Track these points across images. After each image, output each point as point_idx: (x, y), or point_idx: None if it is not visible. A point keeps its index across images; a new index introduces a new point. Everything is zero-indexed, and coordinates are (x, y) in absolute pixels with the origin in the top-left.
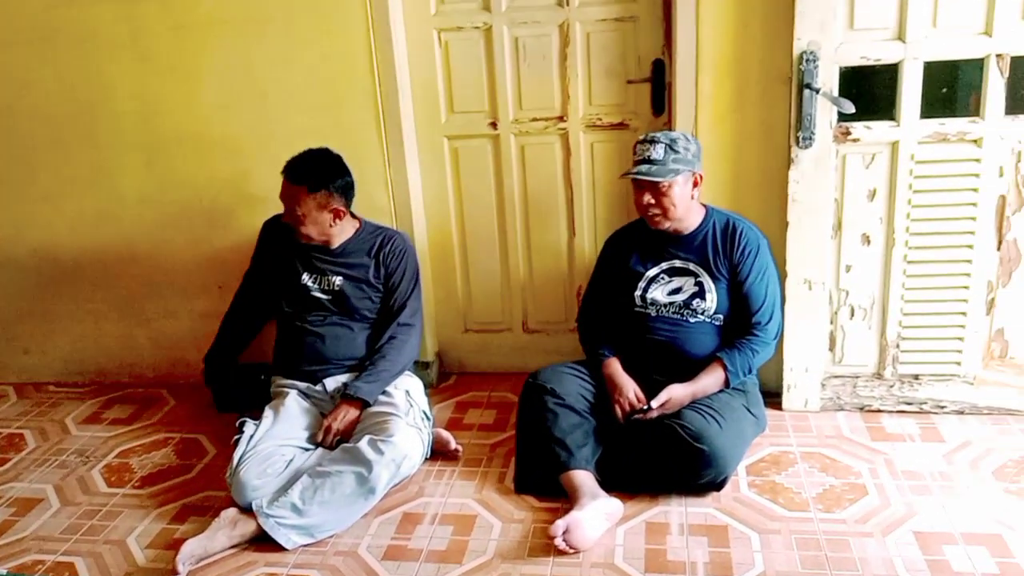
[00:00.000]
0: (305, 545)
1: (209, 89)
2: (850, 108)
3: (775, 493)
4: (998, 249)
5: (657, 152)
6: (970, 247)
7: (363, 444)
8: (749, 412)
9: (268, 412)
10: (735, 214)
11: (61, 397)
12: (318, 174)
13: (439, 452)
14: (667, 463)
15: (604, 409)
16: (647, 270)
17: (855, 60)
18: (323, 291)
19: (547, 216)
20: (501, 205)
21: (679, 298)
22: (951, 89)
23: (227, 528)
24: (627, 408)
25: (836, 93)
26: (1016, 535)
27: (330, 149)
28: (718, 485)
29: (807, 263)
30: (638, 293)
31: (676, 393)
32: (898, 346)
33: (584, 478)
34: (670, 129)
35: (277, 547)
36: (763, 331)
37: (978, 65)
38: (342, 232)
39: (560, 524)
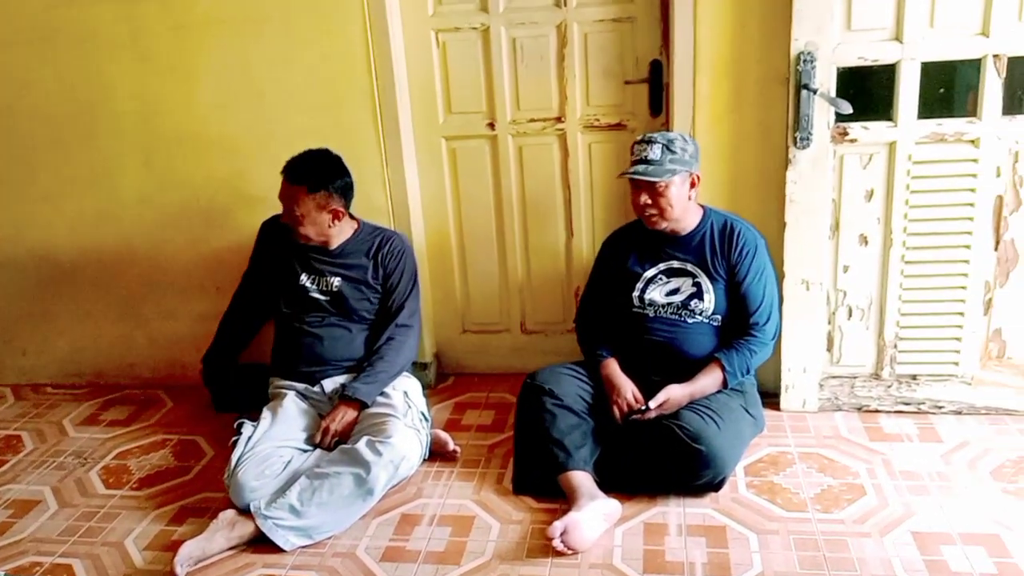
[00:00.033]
0: (303, 546)
1: (208, 89)
2: (847, 109)
3: (773, 493)
4: (995, 249)
5: (654, 152)
6: (968, 247)
7: (361, 445)
8: (747, 412)
9: (266, 413)
10: (733, 214)
11: (59, 398)
12: (318, 174)
13: (437, 453)
14: (665, 464)
15: (602, 410)
16: (645, 271)
17: (852, 61)
18: (321, 292)
19: (545, 217)
20: (499, 206)
21: (677, 299)
22: (948, 89)
23: (225, 530)
24: (625, 409)
25: (833, 94)
26: (1014, 535)
27: (330, 150)
28: (716, 486)
29: (805, 263)
30: (636, 294)
31: (674, 394)
32: (896, 346)
33: (582, 479)
34: (668, 130)
35: (275, 548)
36: (761, 332)
37: (975, 65)
38: (341, 233)
39: (558, 525)
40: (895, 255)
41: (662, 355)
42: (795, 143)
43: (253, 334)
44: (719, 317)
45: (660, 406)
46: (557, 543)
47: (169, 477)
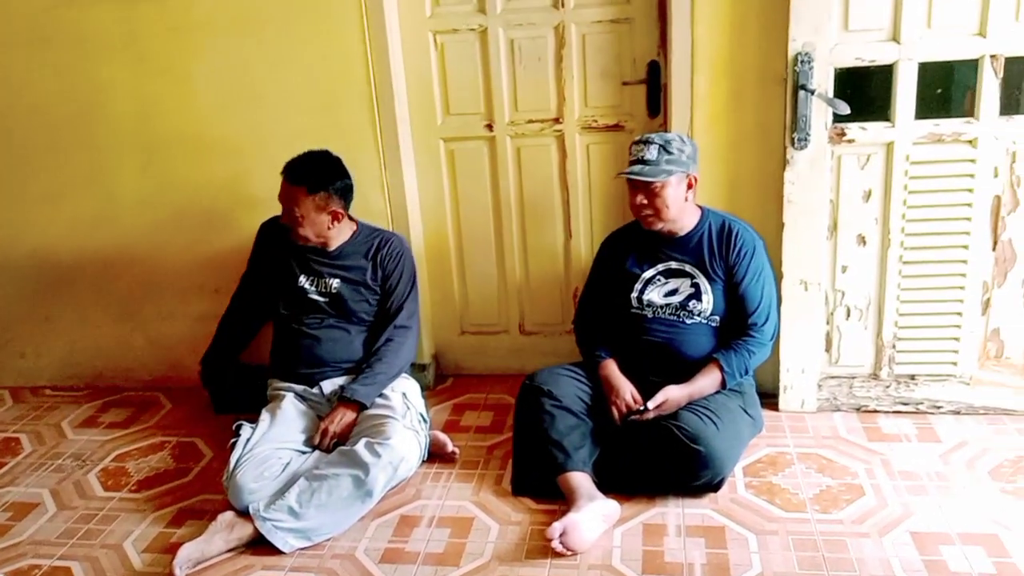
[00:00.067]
0: (302, 548)
1: (206, 91)
2: (845, 109)
3: (772, 494)
4: (993, 249)
5: (651, 153)
6: (965, 247)
7: (360, 447)
8: (746, 413)
9: (265, 415)
10: (731, 215)
11: (57, 401)
12: (318, 175)
13: (436, 454)
14: (664, 464)
15: (601, 411)
16: (643, 272)
17: (850, 61)
18: (320, 293)
19: (543, 218)
20: (497, 207)
21: (675, 299)
22: (946, 90)
23: (224, 532)
24: (624, 409)
25: (831, 94)
26: (1012, 535)
27: (330, 151)
28: (715, 486)
29: (803, 264)
30: (634, 295)
31: (673, 394)
32: (894, 346)
33: (581, 480)
34: (666, 130)
35: (274, 550)
36: (759, 332)
37: (973, 66)
38: (340, 234)
39: (557, 526)
40: (893, 255)
41: (660, 356)
42: (793, 144)
43: (252, 335)
44: (717, 318)
45: (659, 407)
46: (556, 544)
47: (168, 479)
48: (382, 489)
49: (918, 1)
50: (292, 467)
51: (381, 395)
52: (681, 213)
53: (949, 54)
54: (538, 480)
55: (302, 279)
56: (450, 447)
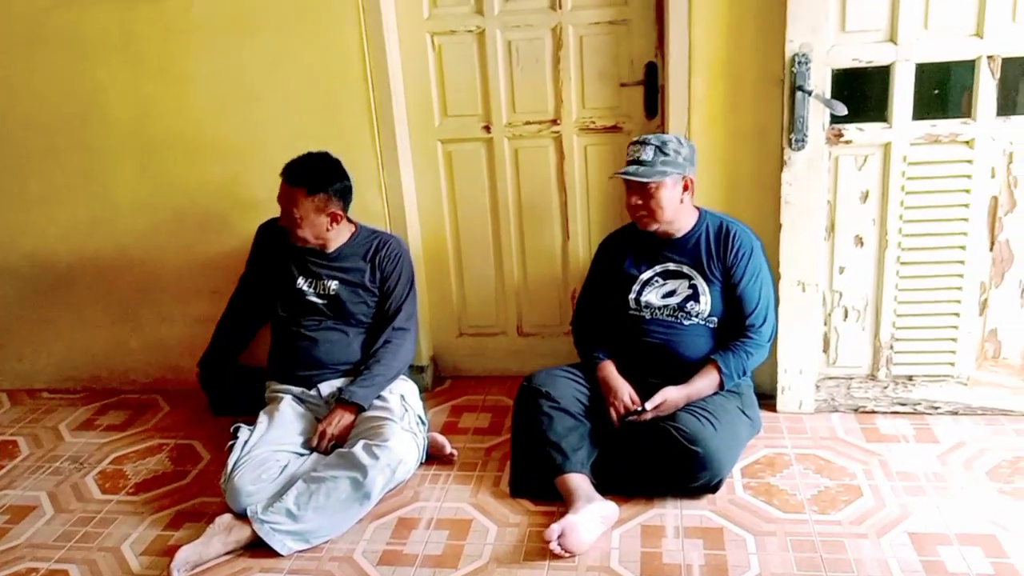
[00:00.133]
0: (300, 551)
1: (203, 93)
2: (842, 110)
3: (770, 495)
4: (991, 250)
5: (647, 154)
6: (963, 248)
7: (358, 449)
8: (744, 414)
9: (262, 417)
10: (728, 217)
11: (55, 403)
12: (317, 177)
13: (434, 456)
14: (662, 466)
15: (599, 412)
16: (641, 273)
17: (847, 62)
18: (318, 295)
19: (541, 219)
20: (495, 208)
21: (673, 301)
22: (943, 91)
23: (222, 534)
24: (621, 411)
25: (828, 95)
26: (1010, 535)
27: (330, 153)
28: (713, 487)
29: (800, 265)
30: (632, 296)
31: (671, 395)
32: (892, 347)
33: (579, 481)
34: (663, 132)
35: (272, 553)
36: (757, 333)
37: (969, 66)
38: (338, 236)
39: (555, 528)
40: (890, 256)
41: (659, 357)
42: (790, 145)
43: (250, 338)
44: (715, 319)
45: (656, 407)
46: (554, 546)
47: (165, 482)
48: (380, 491)
49: (915, 2)
50: (290, 469)
51: (379, 397)
52: (677, 215)
53: (946, 55)
54: (536, 482)
55: (300, 281)
56: (448, 449)
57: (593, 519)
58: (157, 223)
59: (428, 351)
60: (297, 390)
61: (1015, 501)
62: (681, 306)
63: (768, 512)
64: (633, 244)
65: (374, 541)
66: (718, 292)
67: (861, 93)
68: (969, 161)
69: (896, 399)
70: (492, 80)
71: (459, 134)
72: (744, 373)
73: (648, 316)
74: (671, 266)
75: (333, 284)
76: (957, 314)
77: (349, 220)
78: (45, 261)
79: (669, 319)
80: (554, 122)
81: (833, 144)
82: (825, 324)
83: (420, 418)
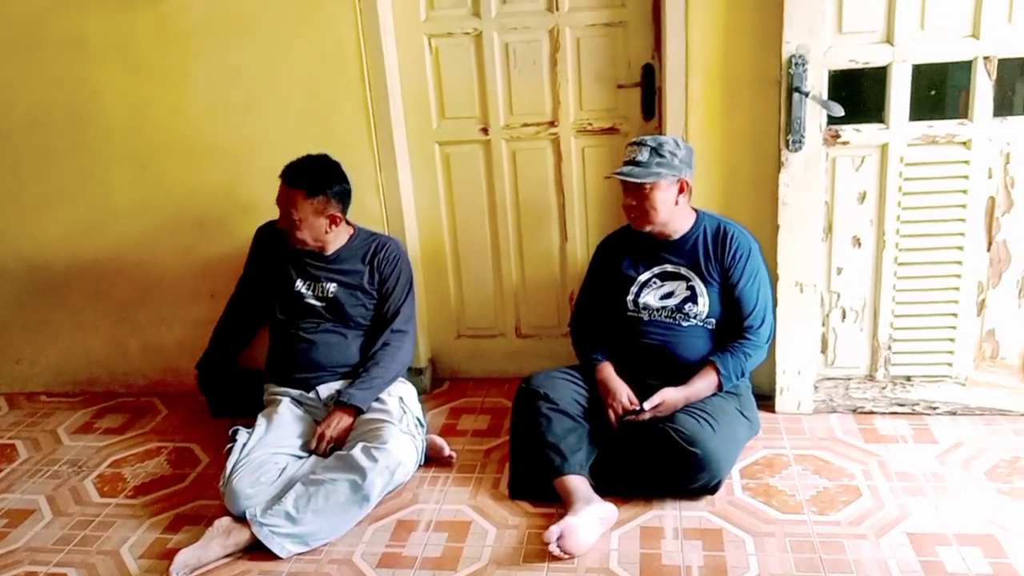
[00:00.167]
0: (299, 554)
1: (198, 97)
2: (839, 111)
3: (769, 496)
4: (988, 250)
5: (642, 155)
6: (960, 248)
7: (357, 451)
8: (742, 415)
9: (261, 420)
10: (726, 218)
11: (53, 407)
12: (317, 179)
13: (433, 458)
14: (661, 467)
15: (598, 414)
16: (639, 274)
17: (844, 63)
18: (317, 298)
19: (539, 221)
20: (493, 210)
21: (671, 302)
22: (940, 91)
23: (221, 537)
24: (620, 412)
25: (825, 96)
26: (1009, 535)
27: (329, 155)
28: (712, 488)
29: (798, 266)
30: (630, 298)
31: (669, 396)
32: (890, 348)
33: (578, 483)
34: (661, 133)
35: (271, 556)
36: (755, 335)
37: (966, 67)
38: (337, 239)
39: (554, 530)
40: (888, 257)
41: (657, 359)
42: (787, 146)
43: (248, 340)
44: (713, 320)
45: (655, 407)
46: (553, 548)
47: (164, 485)
48: (379, 494)
49: (911, 3)
50: (289, 472)
51: (378, 399)
52: (671, 217)
53: (942, 56)
54: (535, 483)
55: (299, 283)
56: (447, 451)
57: (592, 521)
58: (155, 226)
59: (426, 353)
60: (296, 392)
61: (1014, 501)
62: (679, 307)
63: (767, 513)
64: (631, 246)
65: (373, 543)
66: (716, 293)
67: (858, 94)
68: (966, 162)
69: (894, 399)
70: (489, 82)
71: (456, 136)
72: (743, 374)
73: (646, 317)
74: (669, 268)
75: (331, 287)
76: (955, 314)
77: (348, 223)
78: (43, 264)
79: (667, 320)
80: (551, 124)
81: (830, 145)
82: (823, 325)
83: (419, 420)
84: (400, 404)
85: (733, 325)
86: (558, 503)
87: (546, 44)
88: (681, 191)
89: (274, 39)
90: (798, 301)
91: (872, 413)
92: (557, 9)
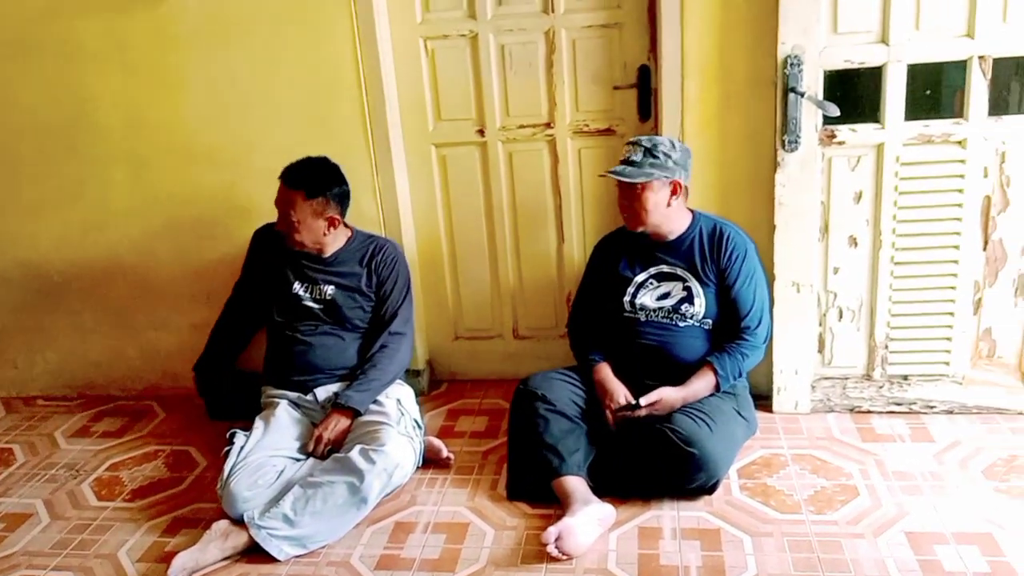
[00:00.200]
0: (297, 556)
1: (195, 100)
2: (835, 111)
3: (767, 496)
4: (984, 249)
5: (636, 155)
6: (956, 247)
7: (354, 454)
8: (739, 415)
9: (258, 423)
10: (722, 219)
11: (50, 411)
12: (316, 180)
13: (431, 460)
14: (658, 467)
15: (595, 414)
16: (635, 275)
17: (839, 63)
18: (315, 300)
19: (536, 222)
20: (490, 212)
21: (668, 303)
22: (935, 91)
23: (219, 540)
24: (618, 413)
25: (821, 96)
26: (1006, 534)
27: (328, 158)
28: (710, 489)
29: (794, 266)
30: (627, 298)
31: (667, 395)
32: (887, 347)
33: (576, 484)
34: (657, 134)
35: (269, 558)
36: (752, 335)
37: (961, 67)
38: (335, 241)
39: (552, 531)
40: (884, 256)
41: (654, 359)
42: (783, 146)
43: (245, 343)
44: (710, 321)
45: (651, 405)
46: (552, 549)
47: (162, 488)
48: (377, 496)
49: (906, 3)
50: (286, 475)
51: (375, 401)
52: (664, 218)
53: (938, 55)
54: (533, 485)
55: (296, 286)
56: (445, 453)
57: (590, 521)
58: (151, 229)
59: (424, 355)
60: (293, 395)
61: (1011, 499)
62: (676, 308)
63: (765, 513)
64: (627, 246)
65: (371, 545)
66: (712, 294)
67: (853, 94)
68: (962, 161)
69: (892, 399)
70: (486, 84)
71: (453, 138)
72: (740, 375)
73: (643, 318)
74: (665, 268)
75: (329, 289)
76: (952, 313)
77: (346, 225)
78: (39, 268)
79: (664, 321)
80: (548, 125)
81: (826, 145)
82: (820, 325)
83: (416, 422)
84: (398, 406)
85: (730, 326)
86: (556, 504)
87: (542, 46)
88: (674, 193)
89: (270, 42)
90: (795, 301)
91: (869, 412)
92: (553, 11)
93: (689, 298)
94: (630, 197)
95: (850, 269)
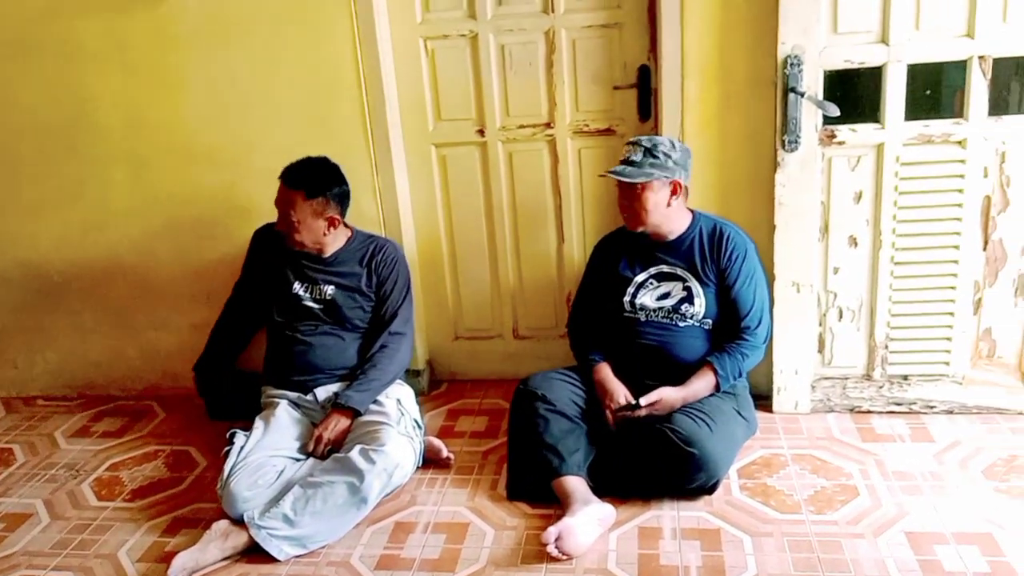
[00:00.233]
0: (297, 556)
1: (195, 100)
2: (835, 111)
3: (767, 496)
4: (984, 249)
5: (636, 155)
6: (956, 247)
7: (354, 454)
8: (740, 415)
9: (258, 423)
10: (722, 219)
11: (50, 411)
12: (316, 180)
13: (431, 460)
14: (658, 467)
15: (595, 414)
16: (635, 275)
17: (839, 63)
18: (315, 300)
19: (536, 222)
20: (490, 212)
21: (668, 303)
22: (935, 91)
23: (219, 540)
24: (618, 413)
25: (821, 96)
26: (1006, 534)
27: (329, 158)
28: (710, 488)
29: (794, 266)
30: (627, 298)
31: (667, 395)
32: (887, 347)
33: (576, 484)
34: (657, 134)
35: (269, 558)
36: (752, 335)
37: (961, 67)
38: (335, 241)
39: (552, 531)
40: (884, 256)
41: (654, 359)
42: (783, 146)
43: (245, 343)
44: (710, 321)
45: (651, 404)
46: (552, 549)
47: (162, 488)
48: (377, 496)
49: (906, 3)
50: (286, 475)
51: (375, 401)
52: (664, 218)
53: (937, 55)
54: (533, 485)
55: (296, 286)
56: (445, 453)
57: (590, 521)
58: (151, 229)
59: (424, 355)
60: (293, 395)
61: (1011, 499)
62: (676, 308)
63: (765, 513)
64: (627, 246)
65: (371, 546)
66: (712, 294)
67: (853, 94)
68: (962, 161)
69: (891, 399)
70: (486, 84)
71: (453, 138)
72: (740, 375)
73: (643, 318)
74: (665, 268)
75: (329, 289)
76: (952, 313)
77: (346, 225)
78: (39, 268)
79: (664, 321)
80: (548, 125)
81: (826, 145)
82: (820, 325)
83: (416, 422)
84: (398, 406)
85: (730, 326)
86: (556, 504)
87: (542, 46)
88: (674, 193)
89: (270, 42)
90: (795, 301)
91: (869, 412)
92: (553, 11)
93: (689, 298)
94: (630, 197)
95: (850, 269)
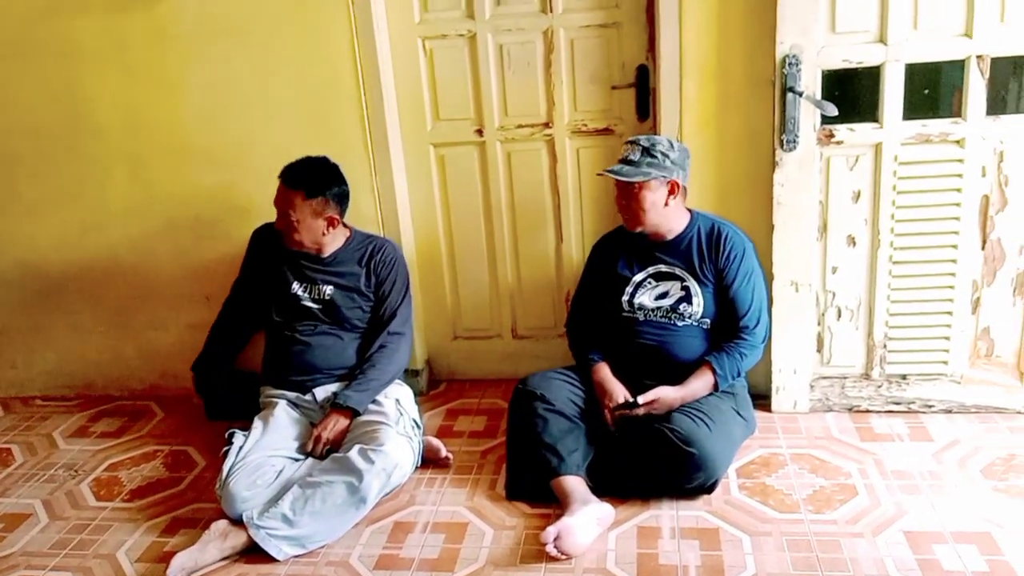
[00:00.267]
0: (296, 556)
1: (193, 100)
2: (833, 111)
3: (765, 495)
4: (982, 248)
5: (634, 154)
6: (955, 247)
7: (353, 453)
8: (738, 415)
9: (257, 423)
10: (720, 218)
11: (48, 411)
12: (315, 180)
13: (430, 460)
14: (657, 467)
15: (594, 414)
16: (634, 275)
17: (837, 63)
18: (314, 300)
19: (534, 222)
20: (488, 212)
21: (666, 303)
22: (933, 91)
23: (218, 540)
24: (617, 413)
25: (819, 96)
26: (1005, 533)
27: (328, 158)
28: (708, 488)
29: (793, 265)
30: (625, 298)
31: (666, 394)
32: (885, 346)
33: (575, 484)
34: (655, 134)
35: (268, 558)
36: (751, 335)
37: (959, 66)
38: (334, 241)
39: (551, 530)
40: (883, 255)
41: (652, 359)
42: (781, 145)
43: (244, 343)
44: (708, 320)
45: (650, 403)
46: (551, 548)
47: (161, 488)
48: (376, 496)
49: (904, 3)
50: (285, 475)
51: (374, 401)
52: (662, 218)
53: (935, 55)
54: (532, 484)
55: (295, 286)
56: (444, 452)
57: (589, 521)
58: (150, 229)
59: (423, 355)
60: (292, 395)
61: (1010, 499)
62: (674, 308)
63: (764, 512)
64: (625, 246)
65: (370, 545)
66: (711, 294)
67: (852, 94)
68: (960, 160)
69: (890, 398)
70: (484, 84)
71: (451, 138)
72: (738, 374)
73: (642, 318)
74: (663, 268)
75: (328, 289)
76: (950, 313)
77: (345, 225)
78: (37, 268)
79: (662, 321)
80: (546, 125)
81: (824, 145)
82: (819, 324)
83: (415, 422)
84: (397, 406)
85: (728, 325)
86: (555, 504)
87: (540, 45)
88: (672, 192)
89: (268, 42)
90: (793, 300)
91: (868, 412)
92: (551, 10)
93: (687, 298)
94: (628, 196)
95: (849, 268)
